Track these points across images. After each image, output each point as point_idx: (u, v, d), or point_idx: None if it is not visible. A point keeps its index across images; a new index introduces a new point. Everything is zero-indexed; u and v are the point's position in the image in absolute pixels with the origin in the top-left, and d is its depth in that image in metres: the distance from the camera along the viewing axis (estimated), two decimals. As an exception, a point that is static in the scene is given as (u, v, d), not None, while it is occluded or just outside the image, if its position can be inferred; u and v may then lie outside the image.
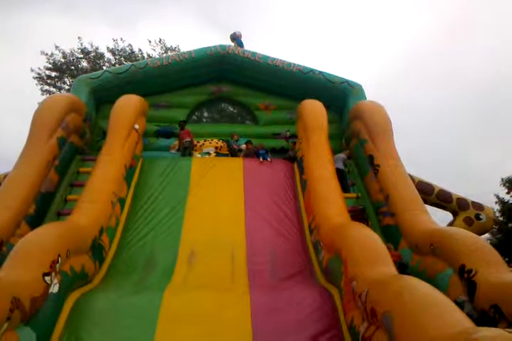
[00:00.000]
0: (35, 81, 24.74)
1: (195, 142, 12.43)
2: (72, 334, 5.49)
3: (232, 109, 14.77)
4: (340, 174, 10.17)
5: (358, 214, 9.30)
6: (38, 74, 24.69)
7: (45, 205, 8.92)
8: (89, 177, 8.89)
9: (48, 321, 5.39)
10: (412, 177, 9.96)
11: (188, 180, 10.26)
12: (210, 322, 5.80)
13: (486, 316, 5.23)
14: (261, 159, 11.12)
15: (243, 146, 12.32)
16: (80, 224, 7.02)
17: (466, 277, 5.71)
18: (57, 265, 5.68)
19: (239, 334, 5.66)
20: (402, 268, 7.22)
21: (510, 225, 18.68)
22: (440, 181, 10.96)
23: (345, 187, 10.09)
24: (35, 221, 8.16)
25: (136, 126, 10.64)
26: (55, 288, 5.58)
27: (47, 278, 5.35)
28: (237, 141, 12.68)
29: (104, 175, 8.84)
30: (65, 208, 9.30)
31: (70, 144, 10.46)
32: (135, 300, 6.17)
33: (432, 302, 4.00)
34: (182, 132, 12.18)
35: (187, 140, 11.86)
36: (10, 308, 4.40)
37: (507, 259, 16.68)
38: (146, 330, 5.59)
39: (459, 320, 3.58)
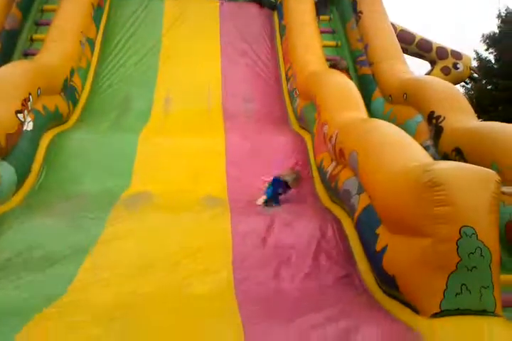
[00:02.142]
0: None
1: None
2: (50, 167, 5.72)
3: None
4: None
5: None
6: None
7: (10, 44, 8.43)
8: (55, 14, 8.31)
9: (25, 156, 5.52)
10: (393, 25, 9.61)
11: (161, 22, 9.66)
12: (187, 161, 6.04)
13: (447, 160, 5.54)
14: None
15: None
16: (49, 63, 6.76)
17: (434, 122, 5.90)
18: (29, 103, 5.63)
19: (213, 173, 5.99)
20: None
21: (484, 82, 18.77)
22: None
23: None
24: (1, 60, 7.78)
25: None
26: (29, 126, 5.62)
27: (20, 116, 5.33)
28: None
29: (71, 13, 8.24)
30: (31, 48, 8.85)
31: (30, -23, 9.50)
32: (112, 138, 6.34)
33: (395, 141, 4.18)
34: None
35: None
36: (-15, 144, 4.45)
37: (477, 116, 17.05)
38: (124, 166, 5.86)
39: (420, 155, 3.77)
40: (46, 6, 9.70)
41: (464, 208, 3.00)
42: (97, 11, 9.25)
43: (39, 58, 7.06)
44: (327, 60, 8.47)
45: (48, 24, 8.49)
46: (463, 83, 16.89)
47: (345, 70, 8.92)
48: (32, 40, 9.03)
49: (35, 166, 5.67)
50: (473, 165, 3.34)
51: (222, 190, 5.61)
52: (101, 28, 9.36)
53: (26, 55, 8.68)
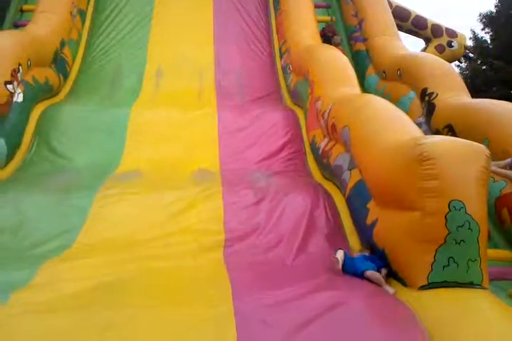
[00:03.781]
0: None
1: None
2: (41, 141, 5.67)
3: None
4: None
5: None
6: None
7: (-1, 15, 8.29)
8: (44, -16, 8.10)
9: (16, 129, 5.49)
10: (389, 2, 9.49)
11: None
12: (178, 135, 6.01)
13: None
14: None
15: None
16: (39, 34, 6.62)
17: (427, 99, 5.88)
18: (19, 74, 5.54)
19: (206, 147, 5.94)
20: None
21: (479, 63, 18.61)
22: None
23: None
24: (-11, 32, 7.65)
25: None
26: (19, 97, 5.55)
27: (9, 87, 5.26)
28: None
29: (61, -18, 8.05)
30: (21, 19, 8.66)
31: None
32: (103, 113, 6.26)
33: (387, 116, 4.18)
34: None
35: None
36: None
37: (471, 96, 16.91)
38: (115, 140, 5.80)
39: (411, 130, 3.77)
40: (36, -24, 9.47)
41: (453, 182, 3.02)
42: (88, -19, 9.03)
43: (28, 29, 6.92)
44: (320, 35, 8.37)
45: (37, -6, 8.28)
46: (457, 62, 16.83)
47: (339, 45, 8.88)
48: (22, 10, 8.84)
49: (26, 139, 5.63)
50: (464, 140, 3.35)
51: (214, 165, 5.59)
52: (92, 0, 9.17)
53: (16, 26, 8.50)
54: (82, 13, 8.59)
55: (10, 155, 5.21)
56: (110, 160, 5.52)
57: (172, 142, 5.88)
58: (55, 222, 4.06)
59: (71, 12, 7.89)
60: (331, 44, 8.61)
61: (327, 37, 8.87)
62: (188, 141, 5.96)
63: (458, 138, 3.45)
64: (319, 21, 9.04)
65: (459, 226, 2.95)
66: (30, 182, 4.78)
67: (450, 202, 2.97)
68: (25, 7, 8.83)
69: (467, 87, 6.18)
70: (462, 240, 2.95)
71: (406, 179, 3.20)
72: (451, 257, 2.95)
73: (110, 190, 4.53)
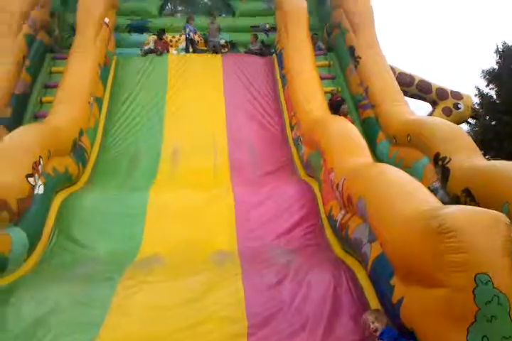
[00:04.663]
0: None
1: (170, 37, 11.86)
2: (61, 231, 5.71)
3: (206, 1, 13.92)
4: None
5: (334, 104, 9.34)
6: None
7: (20, 107, 8.71)
8: (63, 76, 8.60)
9: (37, 221, 5.54)
10: (392, 69, 9.79)
11: (166, 77, 9.98)
12: (195, 216, 6.03)
13: (458, 201, 5.49)
14: None
15: (222, 41, 11.78)
16: (58, 125, 6.93)
17: (441, 164, 5.88)
18: (40, 166, 5.70)
19: (223, 226, 5.93)
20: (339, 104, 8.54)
21: (488, 118, 18.70)
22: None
23: None
24: (12, 124, 7.98)
25: (106, 20, 10.04)
26: (40, 189, 5.66)
27: (30, 180, 5.39)
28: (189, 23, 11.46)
29: (78, 74, 8.55)
30: (41, 110, 9.11)
31: (39, 42, 9.91)
32: (122, 198, 6.35)
33: (403, 185, 4.17)
34: (159, 42, 11.17)
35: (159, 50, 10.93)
36: (-4, 209, 4.47)
37: (483, 152, 16.82)
38: (135, 225, 5.84)
39: (428, 200, 3.74)
40: (55, 68, 10.11)
41: (476, 254, 2.95)
42: (104, 70, 9.59)
43: (48, 121, 7.25)
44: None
45: (56, 86, 8.80)
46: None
47: (347, 114, 9.10)
48: (41, 102, 9.33)
49: (46, 230, 5.68)
50: (481, 209, 3.31)
51: (232, 245, 5.56)
52: (108, 87, 9.69)
53: (36, 117, 8.93)
54: (99, 101, 9.00)
55: (31, 248, 5.23)
56: (130, 246, 5.53)
57: (190, 223, 5.88)
58: (78, 315, 4.01)
59: (89, 101, 8.26)
60: (339, 113, 8.86)
61: (336, 105, 9.14)
62: (206, 221, 5.97)
63: (475, 208, 3.41)
64: (326, 92, 9.36)
65: (487, 301, 2.85)
66: (51, 275, 4.78)
67: (476, 276, 2.89)
68: (44, 99, 9.34)
69: (478, 144, 6.18)
70: (493, 316, 2.83)
71: (426, 252, 3.14)
72: (485, 336, 2.83)
73: (131, 280, 4.50)
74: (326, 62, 10.91)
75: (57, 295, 4.22)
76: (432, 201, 3.77)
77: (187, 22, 11.44)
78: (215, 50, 11.16)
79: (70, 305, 4.11)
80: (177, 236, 5.64)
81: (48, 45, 10.44)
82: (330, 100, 9.39)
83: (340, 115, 8.51)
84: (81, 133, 7.60)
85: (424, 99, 10.73)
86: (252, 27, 12.66)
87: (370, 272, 4.25)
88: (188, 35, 11.39)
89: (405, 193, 4.01)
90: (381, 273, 3.96)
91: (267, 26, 12.58)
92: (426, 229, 3.19)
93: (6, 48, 8.61)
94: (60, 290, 4.32)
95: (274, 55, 11.03)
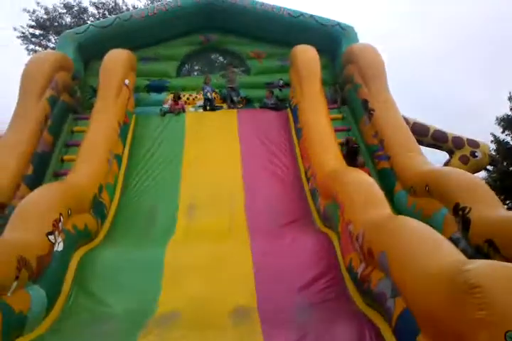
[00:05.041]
0: (20, 40, 24.12)
1: (187, 95, 12.31)
2: (80, 289, 5.67)
3: (223, 60, 14.46)
4: None
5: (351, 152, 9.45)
6: (22, 32, 24.00)
7: (42, 166, 8.96)
8: (84, 136, 8.88)
9: (56, 278, 5.54)
10: (406, 120, 9.91)
11: (183, 134, 10.25)
12: (213, 270, 5.95)
13: (480, 251, 5.38)
14: None
15: (235, 98, 12.16)
16: (78, 183, 7.07)
17: (461, 214, 5.81)
18: (60, 224, 5.78)
19: (241, 280, 5.82)
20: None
21: (505, 164, 18.68)
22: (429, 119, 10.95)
23: None
24: (33, 182, 8.20)
25: (127, 82, 10.49)
26: (59, 247, 5.70)
27: (51, 237, 5.46)
28: (207, 83, 11.97)
29: (99, 133, 8.82)
30: (62, 168, 9.37)
31: (62, 103, 10.35)
32: (140, 254, 6.33)
33: (424, 239, 4.11)
34: (174, 104, 11.42)
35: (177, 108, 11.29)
36: (17, 267, 4.50)
37: (502, 198, 16.83)
38: (153, 282, 5.76)
39: (452, 253, 3.68)
40: (76, 128, 10.49)
41: (506, 311, 2.84)
42: (123, 128, 9.90)
43: (69, 179, 7.41)
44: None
45: (77, 145, 9.08)
46: (484, 166, 16.87)
47: (364, 165, 9.16)
48: (62, 160, 9.59)
49: (65, 287, 5.66)
50: (508, 264, 3.23)
51: (252, 300, 5.43)
52: (127, 144, 9.96)
53: (57, 175, 9.16)
54: (119, 158, 9.22)
55: (50, 306, 5.20)
56: (149, 302, 5.44)
57: (207, 278, 5.81)
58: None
59: (108, 159, 8.47)
60: (356, 163, 8.94)
61: (353, 153, 9.27)
62: (224, 275, 5.89)
63: (502, 263, 3.33)
64: (341, 144, 9.49)
65: (519, 361, 2.72)
66: (70, 334, 4.72)
67: (506, 334, 2.78)
68: (65, 157, 9.63)
69: (497, 190, 6.11)
70: (525, 374, 2.70)
71: (453, 310, 3.06)
72: None
73: (151, 336, 4.43)
74: (340, 115, 11.13)
75: None
76: (456, 254, 3.70)
77: (204, 83, 11.91)
78: (233, 96, 11.72)
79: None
80: (195, 292, 5.53)
81: (70, 106, 10.87)
82: (346, 145, 9.52)
83: (356, 166, 8.56)
84: (100, 189, 7.73)
85: (441, 148, 10.72)
86: (266, 84, 13.07)
87: (394, 328, 4.11)
88: (206, 95, 11.85)
89: (428, 247, 3.94)
90: (406, 330, 3.83)
91: (281, 82, 12.98)
92: (451, 286, 3.13)
93: (30, 110, 8.98)
94: None
95: (289, 109, 11.28)
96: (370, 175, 7.75)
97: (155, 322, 4.88)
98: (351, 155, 9.50)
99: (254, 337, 4.33)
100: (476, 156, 10.29)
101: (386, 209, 5.82)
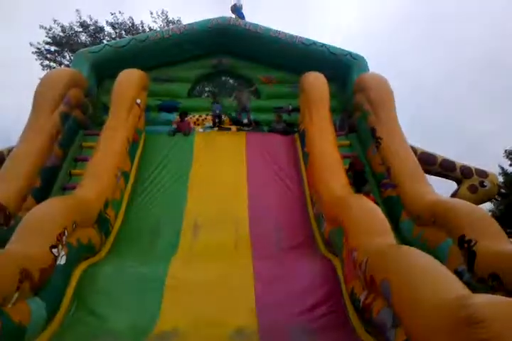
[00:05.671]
0: (35, 56, 24.56)
1: (197, 116, 12.47)
2: (80, 303, 5.66)
3: (233, 83, 14.66)
4: None
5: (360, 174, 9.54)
6: (38, 48, 24.45)
7: (50, 179, 9.03)
8: (94, 151, 8.96)
9: (57, 291, 5.54)
10: (414, 149, 9.97)
11: (191, 154, 10.33)
12: (215, 290, 5.94)
13: (484, 285, 5.35)
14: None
15: (246, 120, 12.34)
16: (85, 198, 7.12)
17: (466, 247, 5.79)
18: (64, 237, 5.81)
19: (242, 302, 5.80)
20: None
21: (512, 197, 18.64)
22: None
23: None
24: (41, 195, 8.26)
25: (138, 101, 10.64)
26: (62, 260, 5.73)
27: (54, 250, 5.48)
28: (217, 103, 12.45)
29: (108, 149, 8.90)
30: (69, 182, 9.43)
31: (73, 119, 10.49)
32: (141, 270, 6.33)
33: (428, 270, 4.08)
34: (182, 122, 11.57)
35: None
36: (19, 279, 4.51)
37: (509, 230, 16.71)
38: (152, 299, 5.75)
39: (455, 286, 3.65)
40: (85, 143, 10.59)
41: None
42: (133, 146, 9.98)
43: (76, 193, 7.46)
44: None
45: (86, 160, 9.20)
46: (491, 198, 16.82)
47: (370, 193, 9.16)
48: (70, 174, 9.66)
49: (65, 301, 5.65)
50: (510, 299, 3.22)
51: (252, 323, 5.39)
52: (135, 162, 10.02)
53: (65, 189, 9.21)
54: (126, 175, 9.27)
55: (49, 319, 5.18)
56: (148, 319, 5.41)
57: (209, 298, 5.78)
58: None
59: (116, 175, 8.53)
60: (363, 189, 8.96)
61: (360, 176, 9.32)
62: (225, 295, 5.87)
63: (503, 297, 3.31)
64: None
65: None
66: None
67: (508, 368, 2.76)
68: (73, 171, 9.70)
69: (503, 223, 6.11)
70: None
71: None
72: None
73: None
74: (347, 142, 11.20)
75: None
76: (459, 288, 3.68)
77: (216, 102, 12.13)
78: (243, 118, 12.05)
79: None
80: (196, 312, 5.51)
81: (81, 122, 11.01)
82: (351, 168, 9.55)
83: (363, 193, 8.59)
84: (106, 205, 7.77)
85: (448, 177, 10.72)
86: (275, 108, 13.22)
87: (395, 359, 4.06)
88: (215, 112, 12.22)
89: (431, 279, 3.92)
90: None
91: (290, 107, 13.12)
92: (454, 319, 3.12)
93: (42, 123, 9.11)
94: None
95: (297, 134, 11.38)
96: (375, 202, 7.75)
97: (154, 340, 4.84)
98: (358, 181, 9.51)
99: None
100: (485, 186, 10.27)
101: (390, 238, 5.81)
